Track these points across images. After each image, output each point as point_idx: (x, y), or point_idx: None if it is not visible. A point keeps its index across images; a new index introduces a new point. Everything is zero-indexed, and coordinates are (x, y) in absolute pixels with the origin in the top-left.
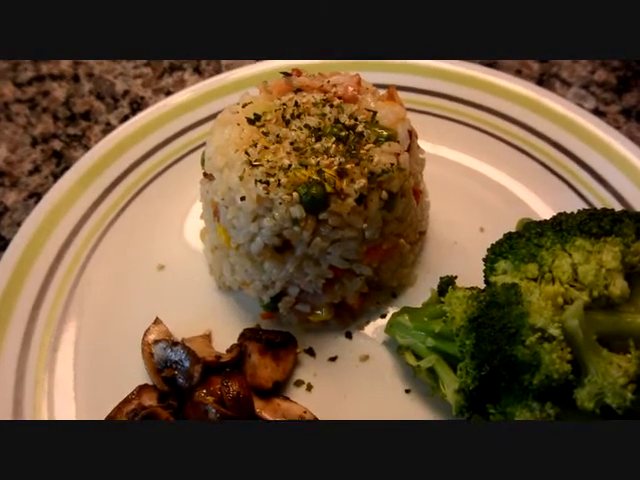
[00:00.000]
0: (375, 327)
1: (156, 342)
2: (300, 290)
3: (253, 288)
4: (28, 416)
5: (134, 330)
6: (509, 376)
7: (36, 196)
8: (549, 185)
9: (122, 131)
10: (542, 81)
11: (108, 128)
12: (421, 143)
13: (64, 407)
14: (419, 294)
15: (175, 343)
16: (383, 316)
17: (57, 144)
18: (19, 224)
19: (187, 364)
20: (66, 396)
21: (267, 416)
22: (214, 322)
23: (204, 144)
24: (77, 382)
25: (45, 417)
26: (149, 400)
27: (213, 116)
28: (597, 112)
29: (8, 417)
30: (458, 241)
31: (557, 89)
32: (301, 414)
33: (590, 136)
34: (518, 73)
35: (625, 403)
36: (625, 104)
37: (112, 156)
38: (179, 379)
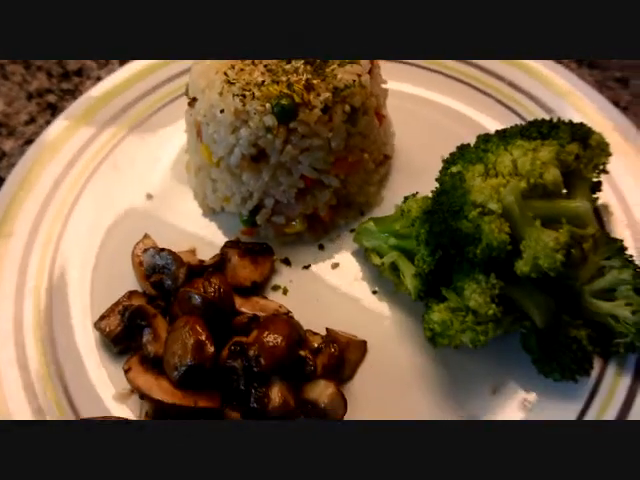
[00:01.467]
0: (344, 239)
1: (145, 250)
2: (275, 201)
3: (233, 203)
4: (27, 319)
5: (125, 249)
6: (457, 252)
7: (32, 142)
8: (505, 118)
9: (110, 81)
10: None
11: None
12: (387, 79)
13: (61, 309)
14: (384, 213)
15: (162, 249)
16: (352, 231)
17: (51, 97)
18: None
19: (173, 267)
20: (63, 301)
21: (246, 310)
22: (198, 242)
23: (185, 92)
24: (73, 290)
25: (42, 316)
26: (138, 302)
27: None
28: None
29: (9, 328)
30: (422, 168)
31: None
32: (277, 308)
33: (540, 74)
34: None
35: (556, 264)
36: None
37: (102, 102)
38: (166, 282)
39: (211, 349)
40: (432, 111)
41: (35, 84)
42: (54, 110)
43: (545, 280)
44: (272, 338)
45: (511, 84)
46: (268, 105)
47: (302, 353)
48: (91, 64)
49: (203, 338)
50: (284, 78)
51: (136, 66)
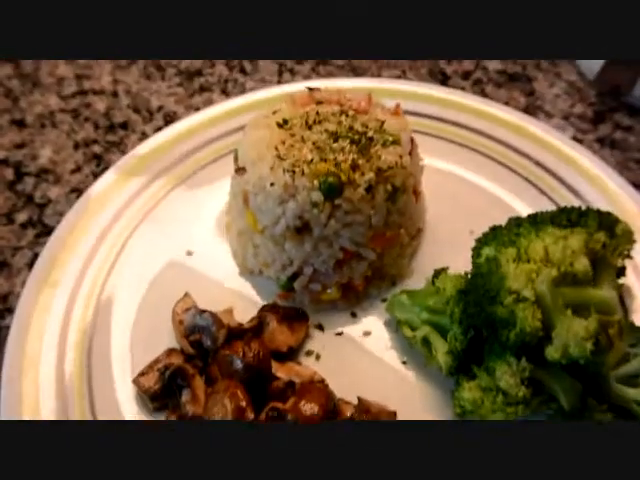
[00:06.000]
0: (377, 309)
1: (186, 310)
2: (314, 270)
3: (273, 268)
4: (68, 368)
5: (165, 305)
6: (491, 334)
7: (77, 191)
8: (533, 198)
9: (157, 138)
10: (527, 112)
11: (143, 137)
12: (422, 155)
13: (100, 367)
14: (415, 285)
15: (203, 311)
16: (384, 300)
17: (97, 148)
18: (61, 214)
19: (213, 329)
20: (103, 358)
21: (282, 375)
22: (236, 301)
23: (229, 152)
24: (113, 344)
25: (85, 377)
26: (177, 360)
27: (237, 129)
28: (575, 139)
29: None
30: (451, 242)
31: (541, 119)
32: (311, 374)
33: (567, 156)
34: (506, 104)
35: (585, 352)
36: (600, 134)
37: (148, 159)
38: (205, 342)
39: (251, 415)
40: (458, 184)
41: (82, 134)
42: (99, 160)
43: (573, 365)
44: (309, 407)
45: (538, 164)
46: (316, 182)
47: None
48: (136, 118)
49: (244, 404)
50: (331, 156)
51: (180, 126)
